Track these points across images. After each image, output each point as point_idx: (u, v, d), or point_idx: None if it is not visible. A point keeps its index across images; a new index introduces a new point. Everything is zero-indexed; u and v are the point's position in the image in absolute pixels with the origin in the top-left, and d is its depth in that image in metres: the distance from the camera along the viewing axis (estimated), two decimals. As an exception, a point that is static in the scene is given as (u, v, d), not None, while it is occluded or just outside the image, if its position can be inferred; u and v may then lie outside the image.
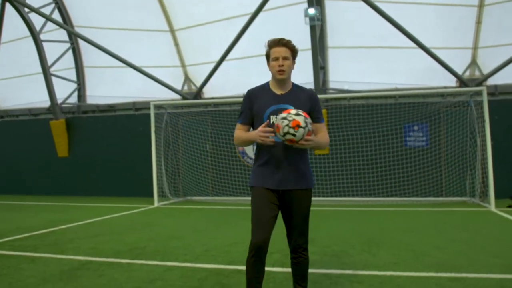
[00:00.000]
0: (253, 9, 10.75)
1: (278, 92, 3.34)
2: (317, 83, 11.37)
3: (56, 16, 13.24)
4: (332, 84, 12.14)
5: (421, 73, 11.30)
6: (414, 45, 10.34)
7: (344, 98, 11.71)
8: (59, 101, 13.99)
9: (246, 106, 3.39)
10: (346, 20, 11.47)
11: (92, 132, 13.77)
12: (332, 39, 11.89)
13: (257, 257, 3.19)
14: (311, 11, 10.42)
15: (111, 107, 14.28)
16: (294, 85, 3.42)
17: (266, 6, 10.70)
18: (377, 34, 11.12)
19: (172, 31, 13.04)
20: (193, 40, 12.92)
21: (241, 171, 11.88)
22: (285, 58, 3.26)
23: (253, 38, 11.53)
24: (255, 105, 3.34)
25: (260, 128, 3.18)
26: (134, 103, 13.88)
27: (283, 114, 3.05)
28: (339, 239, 6.47)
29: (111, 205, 11.21)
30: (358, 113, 11.25)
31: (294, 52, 3.32)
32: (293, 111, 3.06)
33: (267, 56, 3.34)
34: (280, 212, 3.35)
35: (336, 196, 11.21)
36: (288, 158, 3.26)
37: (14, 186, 14.48)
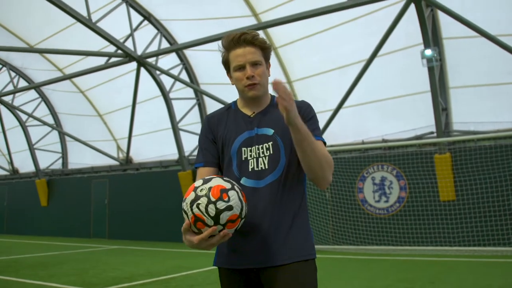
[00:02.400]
0: (367, 55, 10.72)
1: (249, 112, 2.22)
2: (439, 126, 10.84)
3: (184, 76, 14.39)
4: (456, 126, 11.47)
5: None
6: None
7: (471, 140, 10.98)
8: (186, 154, 14.97)
9: (206, 139, 2.24)
10: (467, 58, 10.89)
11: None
12: (453, 78, 11.34)
13: None
14: (428, 52, 10.10)
15: (233, 158, 14.88)
16: (273, 98, 2.25)
17: (381, 51, 10.61)
18: (503, 69, 10.38)
19: (289, 82, 13.44)
20: (310, 90, 13.17)
21: (362, 220, 11.56)
22: (255, 64, 2.12)
23: (371, 84, 11.48)
24: (219, 136, 2.21)
25: (193, 238, 1.84)
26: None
27: (213, 177, 1.92)
28: (465, 293, 5.94)
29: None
30: (486, 155, 10.44)
31: (266, 51, 2.18)
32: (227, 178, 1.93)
33: (225, 63, 2.22)
34: None
35: (461, 245, 10.34)
36: (271, 212, 2.05)
37: (148, 233, 15.57)
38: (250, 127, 2.17)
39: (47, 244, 14.93)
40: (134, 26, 12.45)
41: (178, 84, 14.20)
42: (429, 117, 11.23)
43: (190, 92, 14.99)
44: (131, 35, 12.30)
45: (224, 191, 1.82)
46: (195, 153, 15.09)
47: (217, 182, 1.86)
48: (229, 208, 1.80)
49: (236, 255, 2.10)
